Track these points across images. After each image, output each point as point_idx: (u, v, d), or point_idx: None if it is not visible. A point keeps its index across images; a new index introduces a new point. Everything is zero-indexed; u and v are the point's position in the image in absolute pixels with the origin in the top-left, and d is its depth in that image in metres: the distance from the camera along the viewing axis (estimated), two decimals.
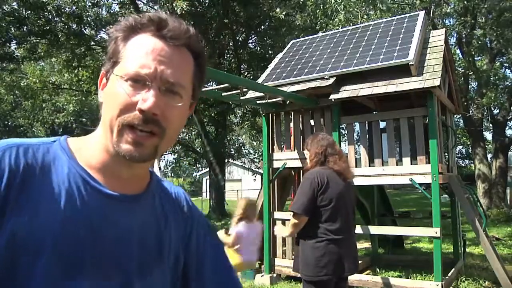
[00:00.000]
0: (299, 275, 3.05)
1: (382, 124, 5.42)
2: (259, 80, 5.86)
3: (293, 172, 6.13)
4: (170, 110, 0.74)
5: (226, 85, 4.61)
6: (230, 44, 15.20)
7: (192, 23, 14.42)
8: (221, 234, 3.75)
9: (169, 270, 0.84)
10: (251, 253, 3.85)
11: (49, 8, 13.19)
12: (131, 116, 0.71)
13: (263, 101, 5.24)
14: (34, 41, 14.27)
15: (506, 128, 16.01)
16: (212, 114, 15.26)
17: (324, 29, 8.82)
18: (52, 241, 0.67)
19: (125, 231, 0.76)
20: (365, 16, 8.82)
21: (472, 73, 11.80)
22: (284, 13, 10.23)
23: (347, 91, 5.02)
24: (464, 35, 11.68)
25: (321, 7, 8.86)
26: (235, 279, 0.95)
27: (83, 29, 14.39)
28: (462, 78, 11.62)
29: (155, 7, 15.18)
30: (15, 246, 0.66)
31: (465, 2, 9.89)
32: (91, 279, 0.69)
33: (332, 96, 5.05)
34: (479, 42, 11.19)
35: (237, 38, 15.37)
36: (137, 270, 0.76)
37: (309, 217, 2.82)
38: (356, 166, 5.10)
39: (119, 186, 0.78)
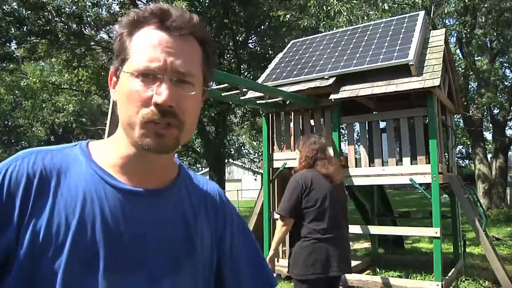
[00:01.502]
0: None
1: (382, 124, 5.42)
2: (259, 80, 5.86)
3: (293, 172, 6.13)
4: (185, 101, 0.74)
5: (226, 85, 4.61)
6: (230, 44, 15.19)
7: None
8: None
9: (203, 265, 0.83)
10: None
11: (49, 8, 13.18)
12: (149, 113, 0.72)
13: (263, 101, 5.24)
14: (34, 41, 14.27)
15: (506, 128, 16.00)
16: (212, 114, 15.25)
17: (327, 30, 8.81)
18: (71, 240, 0.69)
19: (148, 226, 0.76)
20: (365, 17, 8.82)
21: (472, 73, 11.80)
22: (288, 16, 10.24)
23: (347, 91, 5.02)
24: (464, 35, 11.68)
25: (324, 8, 8.85)
26: (269, 272, 0.94)
27: (83, 29, 14.39)
28: (462, 78, 11.62)
29: None
30: (36, 248, 0.67)
31: (466, 2, 9.89)
32: (112, 276, 0.70)
33: (332, 96, 5.05)
34: (479, 42, 11.19)
35: (237, 38, 15.37)
36: (166, 265, 0.76)
37: (295, 218, 2.89)
38: (356, 166, 5.10)
39: (141, 182, 0.78)
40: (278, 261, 3.31)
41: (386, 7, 8.50)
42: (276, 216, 5.49)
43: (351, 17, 8.70)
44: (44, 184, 0.72)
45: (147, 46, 0.74)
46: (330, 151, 3.28)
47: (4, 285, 0.67)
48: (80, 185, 0.73)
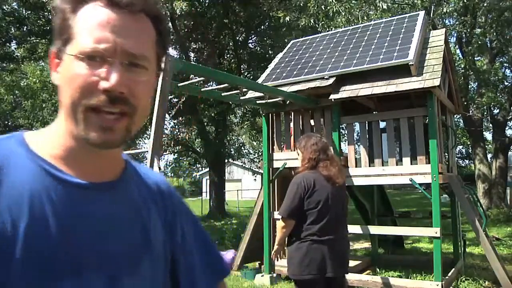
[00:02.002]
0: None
1: (382, 124, 5.42)
2: (259, 80, 5.86)
3: (293, 172, 6.13)
4: (137, 86, 0.67)
5: (226, 85, 4.61)
6: (230, 44, 15.20)
7: (192, 23, 14.44)
8: None
9: (159, 260, 0.77)
10: None
11: (49, 8, 13.18)
12: (95, 99, 0.64)
13: (263, 101, 5.24)
14: (34, 41, 14.28)
15: (506, 128, 16.00)
16: (212, 114, 15.26)
17: (326, 30, 8.82)
18: (23, 246, 0.60)
19: (103, 222, 0.68)
20: (365, 18, 8.82)
21: (472, 73, 11.80)
22: (288, 18, 10.24)
23: (347, 91, 5.02)
24: (464, 35, 11.68)
25: (323, 8, 8.85)
26: (221, 260, 0.92)
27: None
28: (462, 78, 11.61)
29: None
30: None
31: (465, 1, 9.88)
32: (72, 278, 0.63)
33: (332, 96, 5.05)
34: (479, 42, 11.18)
35: (237, 38, 15.38)
36: (125, 264, 0.70)
37: (295, 220, 2.90)
38: (356, 166, 5.10)
39: (90, 175, 0.70)
40: (278, 259, 3.31)
41: (385, 7, 8.49)
42: (277, 216, 5.51)
43: (349, 17, 8.70)
44: None
45: (93, 25, 0.65)
46: (332, 150, 3.28)
47: None
48: (24, 182, 0.64)
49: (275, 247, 3.14)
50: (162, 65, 0.78)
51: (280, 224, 3.00)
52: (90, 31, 0.65)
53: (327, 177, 2.94)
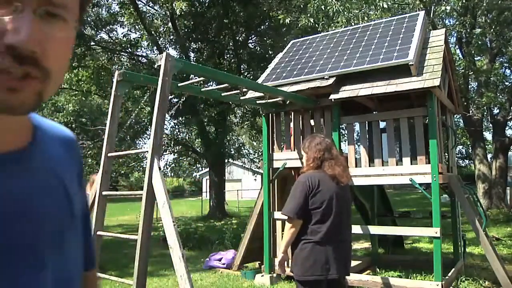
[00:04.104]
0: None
1: (382, 124, 5.42)
2: (259, 80, 5.86)
3: (293, 172, 6.13)
4: (53, 43, 0.52)
5: (226, 85, 4.61)
6: (230, 44, 15.20)
7: (192, 23, 14.45)
8: None
9: (79, 224, 0.69)
10: None
11: None
12: None
13: (263, 101, 5.24)
14: None
15: (506, 128, 16.01)
16: (212, 114, 15.26)
17: (326, 30, 8.82)
18: None
19: (19, 200, 0.57)
20: (365, 18, 8.83)
21: (472, 73, 11.80)
22: (288, 20, 10.24)
23: (347, 91, 5.03)
24: (464, 35, 11.69)
25: (323, 8, 8.86)
26: (94, 253, 0.84)
27: (83, 29, 14.39)
28: (462, 78, 11.62)
29: (155, 7, 15.19)
30: None
31: (464, 1, 9.89)
32: None
33: (332, 96, 5.06)
34: (479, 42, 11.19)
35: (237, 38, 15.38)
36: (47, 243, 0.59)
37: (302, 219, 2.88)
38: (356, 166, 5.10)
39: None
40: (288, 265, 3.30)
41: (385, 6, 8.49)
42: (277, 216, 5.52)
43: (349, 16, 8.70)
44: None
45: None
46: (336, 149, 3.27)
47: None
48: None
49: (280, 255, 3.09)
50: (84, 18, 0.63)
51: (287, 225, 2.97)
52: None
53: (332, 176, 2.93)
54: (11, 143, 0.59)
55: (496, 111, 14.98)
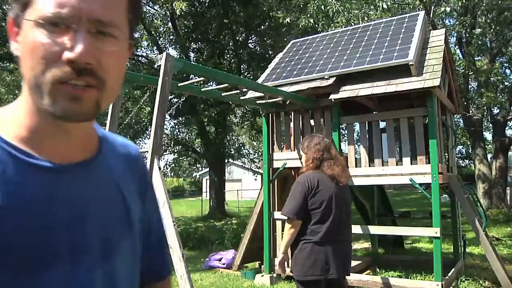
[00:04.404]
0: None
1: (382, 124, 5.42)
2: (259, 80, 5.86)
3: (293, 172, 6.13)
4: (106, 57, 0.60)
5: (226, 85, 4.61)
6: (230, 44, 15.19)
7: (192, 23, 14.45)
8: None
9: (139, 238, 0.74)
10: None
11: None
12: (61, 72, 0.58)
13: (263, 101, 5.24)
14: None
15: (506, 128, 16.01)
16: (212, 114, 15.25)
17: (326, 30, 8.82)
18: None
19: (81, 207, 0.63)
20: (365, 18, 8.83)
21: (472, 73, 11.80)
22: (287, 20, 10.24)
23: (347, 91, 5.03)
24: (464, 35, 11.68)
25: (323, 8, 8.86)
26: (168, 261, 0.90)
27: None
28: (462, 78, 11.62)
29: (155, 7, 15.20)
30: None
31: (463, 1, 9.89)
32: (51, 273, 0.59)
33: (332, 96, 5.06)
34: (479, 42, 11.19)
35: (237, 38, 15.37)
36: (100, 251, 0.65)
37: (301, 220, 2.88)
38: (356, 166, 5.10)
39: (60, 156, 0.64)
40: (288, 265, 3.29)
41: (385, 6, 8.49)
42: (277, 216, 5.52)
43: (349, 16, 8.70)
44: None
45: None
46: (334, 149, 3.27)
47: None
48: None
49: (280, 255, 3.09)
50: (136, 35, 0.73)
51: (287, 226, 2.97)
52: None
53: (331, 177, 2.93)
54: (81, 155, 0.67)
55: (496, 111, 14.98)
